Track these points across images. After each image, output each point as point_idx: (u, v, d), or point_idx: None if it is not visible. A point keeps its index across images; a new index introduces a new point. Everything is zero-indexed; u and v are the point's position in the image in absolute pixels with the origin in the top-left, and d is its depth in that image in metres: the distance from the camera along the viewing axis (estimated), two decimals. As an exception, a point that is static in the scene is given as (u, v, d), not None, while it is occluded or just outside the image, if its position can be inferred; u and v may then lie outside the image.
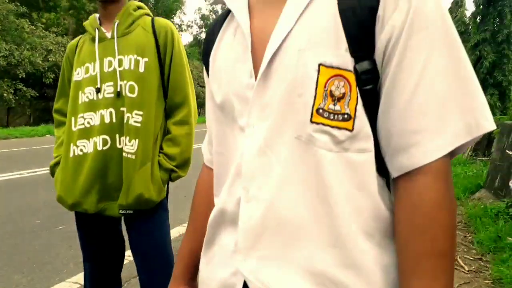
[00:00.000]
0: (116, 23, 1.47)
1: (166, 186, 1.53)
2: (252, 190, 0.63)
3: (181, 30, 40.24)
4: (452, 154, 0.57)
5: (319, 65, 0.57)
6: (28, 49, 17.13)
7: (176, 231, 3.79)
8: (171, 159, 1.49)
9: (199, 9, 58.85)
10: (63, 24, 22.95)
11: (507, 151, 4.82)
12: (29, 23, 17.97)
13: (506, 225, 3.82)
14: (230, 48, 0.71)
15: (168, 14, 32.62)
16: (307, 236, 0.60)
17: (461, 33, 15.89)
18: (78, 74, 1.48)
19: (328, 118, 0.58)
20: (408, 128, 0.56)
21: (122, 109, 1.42)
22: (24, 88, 17.36)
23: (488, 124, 0.56)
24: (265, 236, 0.62)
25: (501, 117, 8.80)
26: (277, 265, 0.62)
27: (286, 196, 0.61)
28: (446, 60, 0.56)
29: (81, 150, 1.43)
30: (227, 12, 0.77)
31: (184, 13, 50.72)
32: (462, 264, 3.22)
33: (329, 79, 0.57)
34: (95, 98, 1.43)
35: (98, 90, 1.43)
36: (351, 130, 0.58)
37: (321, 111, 0.58)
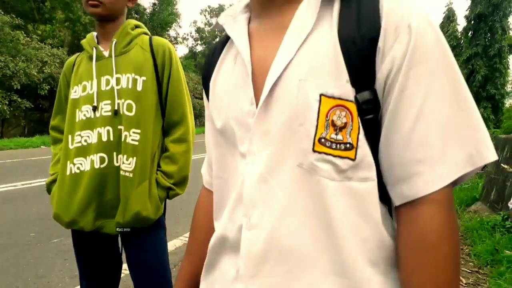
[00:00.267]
0: (114, 42, 1.47)
1: (163, 203, 1.53)
2: (253, 217, 0.63)
3: (177, 43, 40.49)
4: (454, 183, 0.57)
5: (321, 95, 0.58)
6: (23, 60, 17.12)
7: (172, 244, 3.77)
8: (169, 176, 1.49)
9: (195, 22, 59.38)
10: (59, 36, 23.01)
11: (502, 164, 4.86)
12: (25, 35, 17.99)
13: (503, 238, 3.84)
14: (230, 75, 0.72)
15: (164, 27, 32.82)
16: (310, 265, 0.59)
17: (453, 48, 16.08)
18: (75, 92, 1.48)
19: (330, 147, 0.58)
20: (410, 158, 0.57)
21: (119, 127, 1.42)
22: (19, 100, 17.31)
23: (490, 154, 0.57)
24: (267, 265, 0.61)
25: (495, 130, 8.89)
26: None
27: (289, 224, 0.61)
28: (447, 91, 0.56)
29: (78, 168, 1.43)
30: (226, 37, 0.78)
31: (179, 26, 51.20)
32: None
33: (330, 109, 0.58)
34: (92, 116, 1.43)
35: (95, 109, 1.43)
36: (353, 159, 0.58)
37: (323, 140, 0.58)
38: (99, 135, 1.42)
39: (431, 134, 0.56)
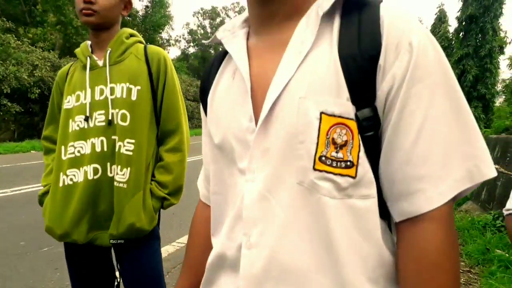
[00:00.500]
0: (109, 51, 1.45)
1: (157, 213, 1.51)
2: (253, 236, 0.62)
3: (169, 45, 40.33)
4: (453, 198, 0.57)
5: (321, 113, 0.57)
6: (14, 64, 16.92)
7: (165, 250, 3.74)
8: (164, 186, 1.47)
9: (187, 24, 59.38)
10: (50, 39, 22.79)
11: (493, 164, 4.89)
12: (15, 38, 17.79)
13: (493, 237, 3.88)
14: (229, 90, 0.71)
15: (156, 29, 32.65)
16: (311, 284, 0.59)
17: (444, 48, 16.26)
18: (69, 102, 1.46)
19: (331, 165, 0.58)
20: (411, 175, 0.56)
21: (113, 137, 1.40)
22: (9, 104, 17.10)
23: (489, 171, 0.57)
24: (268, 285, 0.61)
25: (486, 130, 8.98)
26: None
27: (289, 243, 0.60)
28: (447, 108, 0.56)
29: (71, 179, 1.41)
30: (224, 51, 0.77)
31: (172, 28, 51.05)
32: (451, 276, 3.23)
33: (331, 127, 0.57)
34: (85, 127, 1.41)
35: (87, 119, 1.41)
36: (354, 177, 0.58)
37: (323, 158, 0.58)
38: (93, 145, 1.40)
39: (432, 151, 0.55)
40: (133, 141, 1.40)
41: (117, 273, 1.55)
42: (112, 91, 1.42)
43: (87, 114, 1.41)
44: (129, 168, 1.39)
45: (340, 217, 0.58)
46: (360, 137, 0.58)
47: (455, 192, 0.55)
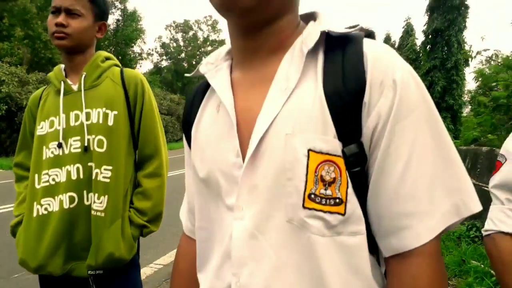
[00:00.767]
0: (84, 75, 1.41)
1: (137, 242, 1.47)
2: (243, 277, 0.61)
3: (142, 59, 39.84)
4: (441, 233, 0.57)
5: (309, 150, 0.57)
6: (-21, 80, 16.36)
7: (142, 273, 3.61)
8: (142, 214, 1.43)
9: (159, 37, 58.89)
10: (17, 54, 22.16)
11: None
12: (-19, 53, 17.24)
13: (469, 248, 3.95)
14: (213, 124, 0.70)
15: (128, 43, 32.34)
16: None
17: (412, 61, 16.85)
18: (42, 128, 1.41)
19: (320, 203, 0.57)
20: (399, 211, 0.57)
21: (90, 164, 1.36)
22: (-26, 121, 16.46)
23: (474, 205, 0.58)
24: None
25: (456, 141, 9.28)
26: None
27: (280, 283, 0.59)
28: (432, 145, 0.57)
29: (45, 209, 1.35)
30: (207, 83, 0.76)
31: (144, 42, 50.57)
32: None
33: (319, 164, 0.57)
34: (60, 153, 1.36)
35: (60, 145, 1.36)
36: (343, 214, 0.58)
37: (313, 196, 0.57)
38: (68, 173, 1.35)
39: (418, 187, 0.56)
40: (110, 167, 1.36)
41: None
42: (88, 116, 1.38)
43: (60, 141, 1.36)
44: (106, 196, 1.34)
45: (331, 256, 0.58)
46: (347, 173, 0.58)
47: (442, 227, 0.56)
